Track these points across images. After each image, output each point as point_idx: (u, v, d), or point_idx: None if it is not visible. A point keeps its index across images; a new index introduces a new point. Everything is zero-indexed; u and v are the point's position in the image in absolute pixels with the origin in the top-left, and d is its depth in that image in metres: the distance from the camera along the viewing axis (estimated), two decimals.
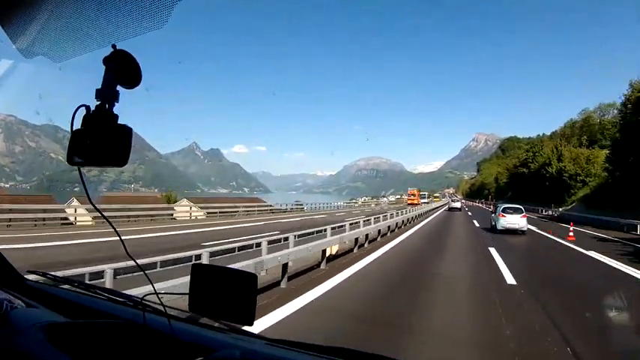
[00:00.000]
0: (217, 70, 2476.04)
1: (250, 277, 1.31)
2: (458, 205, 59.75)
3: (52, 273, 2.04)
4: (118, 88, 1.18)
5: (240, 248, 12.65)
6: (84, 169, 1.24)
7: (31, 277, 2.03)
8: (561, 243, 19.80)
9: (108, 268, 5.79)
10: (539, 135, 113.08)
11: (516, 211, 24.21)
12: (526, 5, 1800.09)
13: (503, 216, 23.87)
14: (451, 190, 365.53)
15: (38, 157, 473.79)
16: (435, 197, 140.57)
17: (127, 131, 1.15)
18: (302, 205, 55.09)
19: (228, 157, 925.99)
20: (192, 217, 32.31)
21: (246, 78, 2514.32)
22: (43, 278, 2.04)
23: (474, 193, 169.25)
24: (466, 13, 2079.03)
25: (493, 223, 25.52)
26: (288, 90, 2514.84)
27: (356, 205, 78.30)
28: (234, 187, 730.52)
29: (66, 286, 1.94)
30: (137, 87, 1.22)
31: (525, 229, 23.77)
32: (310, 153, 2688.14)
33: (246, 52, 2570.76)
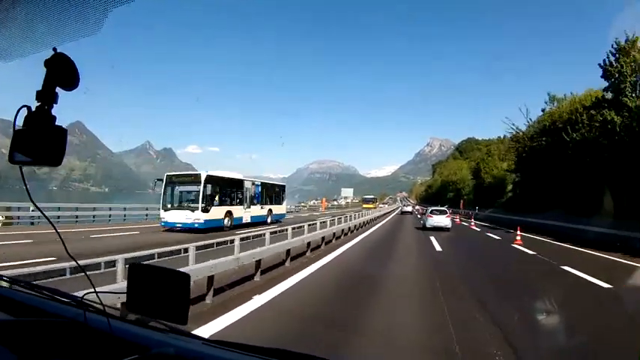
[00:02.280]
0: (173, 70, 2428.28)
1: (183, 277, 1.34)
2: (409, 209, 77.14)
3: None
4: (57, 89, 1.22)
5: None
6: (28, 168, 1.28)
7: None
8: None
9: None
10: (499, 137, 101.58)
11: (442, 212, 30.51)
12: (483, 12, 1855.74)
13: (431, 216, 29.51)
14: (404, 194, 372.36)
15: None
16: (367, 204, 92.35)
17: (62, 132, 1.20)
18: None
19: (181, 157, 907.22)
20: None
21: (200, 79, 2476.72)
22: None
23: (432, 197, 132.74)
24: (422, 16, 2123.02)
25: (422, 222, 30.83)
26: (243, 92, 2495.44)
27: (304, 208, 73.81)
28: None
29: (11, 286, 1.97)
30: (75, 89, 1.27)
31: (450, 226, 29.09)
32: (264, 155, 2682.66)
33: (201, 54, 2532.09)
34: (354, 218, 26.96)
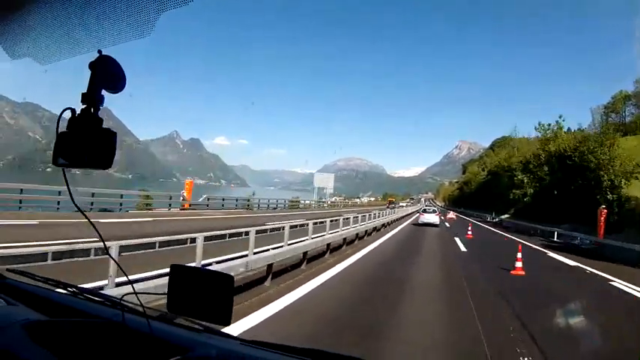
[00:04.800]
0: (207, 64, 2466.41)
1: (227, 279, 1.34)
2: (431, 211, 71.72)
3: (32, 272, 1.99)
4: (103, 92, 1.20)
5: None
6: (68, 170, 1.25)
7: (11, 275, 2.02)
8: None
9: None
10: (536, 137, 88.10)
11: (433, 212, 37.01)
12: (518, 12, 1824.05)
13: (422, 215, 35.90)
14: (430, 195, 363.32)
15: (14, 135, 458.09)
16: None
17: (111, 135, 1.18)
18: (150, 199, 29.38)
19: (209, 148, 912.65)
20: None
21: (232, 72, 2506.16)
22: (23, 277, 2.00)
23: (469, 197, 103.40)
24: (455, 17, 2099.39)
25: (417, 220, 36.49)
26: (274, 86, 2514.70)
27: (325, 205, 67.69)
28: (212, 179, 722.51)
29: (45, 285, 1.92)
30: (121, 92, 1.25)
31: (437, 223, 34.73)
32: (291, 150, 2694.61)
33: (235, 50, 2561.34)
34: None
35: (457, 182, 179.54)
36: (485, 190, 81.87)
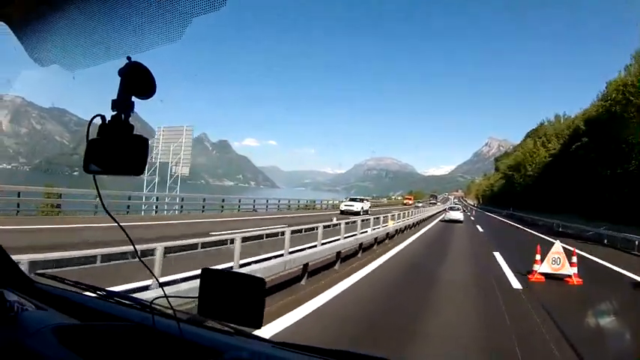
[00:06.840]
0: (234, 65, 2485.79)
1: (259, 282, 1.35)
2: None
3: (61, 276, 2.00)
4: (133, 98, 1.20)
5: None
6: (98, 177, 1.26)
7: (40, 279, 2.03)
8: None
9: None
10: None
11: (457, 209, 41.83)
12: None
13: (448, 212, 40.62)
14: (460, 193, 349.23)
15: (42, 139, 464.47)
16: None
17: (143, 141, 1.19)
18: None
19: (238, 150, 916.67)
20: None
21: (260, 73, 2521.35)
22: (52, 281, 2.00)
23: (518, 194, 74.42)
24: (480, 15, 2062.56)
25: (444, 217, 40.22)
26: (302, 87, 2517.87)
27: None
28: (241, 180, 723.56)
29: (74, 289, 1.94)
30: (151, 98, 1.25)
31: (462, 219, 37.65)
32: (321, 150, 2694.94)
33: (261, 51, 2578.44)
34: None
35: (497, 172, 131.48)
36: (565, 175, 49.16)
